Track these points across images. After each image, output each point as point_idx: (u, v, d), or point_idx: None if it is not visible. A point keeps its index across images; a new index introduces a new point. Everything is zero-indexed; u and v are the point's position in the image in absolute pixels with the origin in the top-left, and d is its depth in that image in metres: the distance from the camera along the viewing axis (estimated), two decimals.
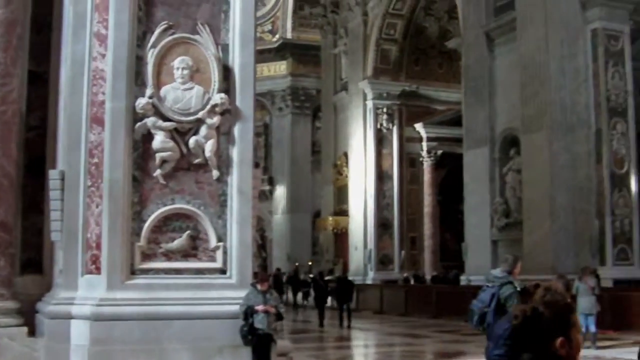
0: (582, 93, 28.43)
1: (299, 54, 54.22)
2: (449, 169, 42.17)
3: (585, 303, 19.28)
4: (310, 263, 48.21)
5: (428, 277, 39.65)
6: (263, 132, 54.72)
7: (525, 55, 29.51)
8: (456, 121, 37.20)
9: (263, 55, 51.75)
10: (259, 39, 51.22)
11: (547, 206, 27.96)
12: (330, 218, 44.49)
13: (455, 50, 36.15)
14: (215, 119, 11.25)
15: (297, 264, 47.87)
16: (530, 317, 3.47)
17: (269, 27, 55.29)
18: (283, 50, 54.20)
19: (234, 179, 11.35)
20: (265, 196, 52.94)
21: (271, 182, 54.05)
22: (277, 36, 54.75)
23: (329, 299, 30.84)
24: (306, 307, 37.37)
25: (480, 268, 30.67)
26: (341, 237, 43.89)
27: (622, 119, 28.59)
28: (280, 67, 54.62)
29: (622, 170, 28.43)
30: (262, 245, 53.79)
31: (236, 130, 11.42)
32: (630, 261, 27.97)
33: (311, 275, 36.60)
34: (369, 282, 39.77)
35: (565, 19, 28.71)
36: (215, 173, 11.30)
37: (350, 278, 38.05)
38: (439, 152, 43.12)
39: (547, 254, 27.52)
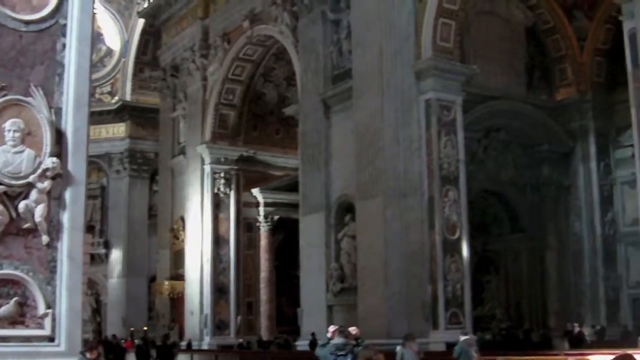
0: (416, 161, 29.09)
1: (138, 116, 53.83)
2: (286, 234, 42.44)
3: None
4: (145, 328, 47.40)
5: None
6: (99, 195, 53.98)
7: (361, 123, 30.07)
8: (293, 187, 37.52)
9: (102, 117, 51.43)
10: (98, 101, 51.02)
11: (381, 271, 28.30)
12: (167, 282, 43.93)
13: (293, 116, 36.51)
14: (46, 184, 11.04)
15: (132, 329, 47.02)
16: None
17: (108, 88, 54.81)
18: (122, 112, 53.72)
19: (64, 245, 11.14)
20: (100, 260, 52.07)
21: (107, 245, 53.16)
22: (116, 98, 54.26)
23: None
24: None
25: (315, 333, 30.85)
26: (177, 301, 43.34)
27: (454, 187, 29.36)
28: (119, 129, 54.08)
29: (454, 237, 29.12)
30: (96, 310, 52.72)
31: (67, 195, 11.24)
32: (462, 325, 28.52)
33: (136, 341, 35.90)
34: (205, 347, 39.37)
35: (400, 89, 29.41)
36: (45, 238, 11.07)
37: (183, 343, 37.98)
38: (276, 217, 43.33)
39: (382, 319, 27.82)
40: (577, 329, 30.82)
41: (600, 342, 30.58)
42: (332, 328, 15.48)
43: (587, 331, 31.98)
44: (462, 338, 20.81)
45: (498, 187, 36.53)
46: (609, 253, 36.20)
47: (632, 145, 25.77)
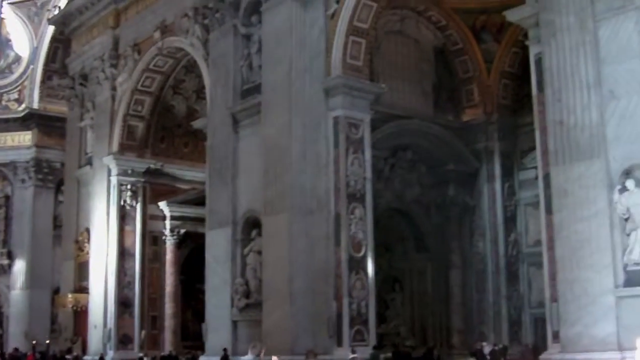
0: (323, 178, 29.21)
1: (45, 125, 53.09)
2: (192, 249, 42.21)
3: None
4: (48, 341, 46.64)
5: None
6: (3, 204, 53.21)
7: (269, 139, 30.12)
8: (200, 201, 37.29)
9: (7, 124, 50.72)
10: (4, 108, 50.26)
11: (286, 288, 28.28)
12: (70, 295, 43.15)
13: (202, 130, 36.25)
14: None
15: (34, 342, 46.19)
16: None
17: (15, 95, 53.98)
18: (29, 120, 52.94)
19: None
20: (3, 270, 51.22)
21: (10, 255, 52.27)
22: (23, 105, 53.45)
23: None
24: None
25: (220, 348, 30.68)
26: (81, 315, 42.62)
27: (360, 204, 29.55)
28: (25, 138, 53.30)
29: (360, 254, 29.29)
30: None
31: None
32: (366, 342, 28.67)
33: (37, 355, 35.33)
34: None
35: (309, 106, 29.57)
36: None
37: (89, 358, 37.50)
38: (182, 231, 43.06)
39: (286, 335, 27.79)
40: (487, 348, 31.04)
41: None
42: (252, 344, 15.74)
43: (488, 349, 32.26)
44: (350, 356, 21.24)
45: (404, 205, 36.76)
46: (512, 273, 36.64)
47: (535, 167, 26.18)
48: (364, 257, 29.45)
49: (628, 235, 19.69)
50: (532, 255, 34.57)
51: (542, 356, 22.05)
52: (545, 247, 22.15)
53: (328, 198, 29.16)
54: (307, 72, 29.77)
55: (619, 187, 19.79)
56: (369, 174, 30.11)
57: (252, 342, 17.25)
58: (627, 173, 19.80)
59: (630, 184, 19.61)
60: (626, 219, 19.70)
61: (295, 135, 29.18)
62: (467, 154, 37.34)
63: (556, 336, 21.24)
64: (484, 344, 31.80)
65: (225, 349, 30.27)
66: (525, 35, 24.60)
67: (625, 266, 19.60)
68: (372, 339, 29.22)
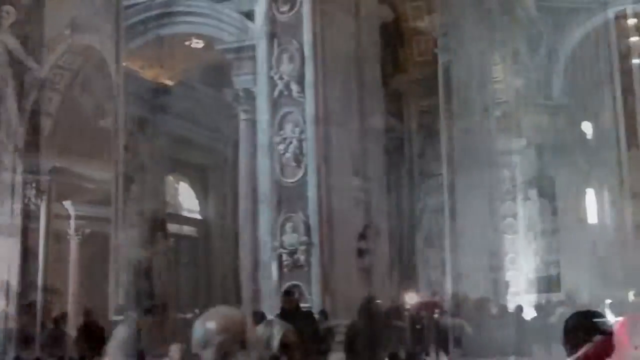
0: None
1: None
2: (97, 249, 41.72)
3: None
4: None
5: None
6: None
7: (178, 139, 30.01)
8: (106, 201, 36.89)
9: None
10: None
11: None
12: None
13: (109, 129, 35.87)
14: None
15: None
16: None
17: None
18: None
19: None
20: None
21: None
22: None
23: None
24: None
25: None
26: None
27: None
28: None
29: None
30: None
31: None
32: None
33: None
34: None
35: None
36: None
37: None
38: (87, 230, 42.51)
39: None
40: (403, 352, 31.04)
41: None
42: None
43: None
44: None
45: None
46: None
47: (441, 174, 26.53)
48: None
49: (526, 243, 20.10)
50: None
51: None
52: (448, 253, 22.49)
53: None
54: None
55: (520, 197, 20.16)
56: None
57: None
58: (529, 183, 20.20)
59: (532, 193, 20.00)
60: (526, 227, 20.10)
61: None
62: None
63: (458, 342, 21.53)
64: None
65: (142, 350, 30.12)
66: (435, 44, 24.90)
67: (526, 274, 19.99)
68: None
